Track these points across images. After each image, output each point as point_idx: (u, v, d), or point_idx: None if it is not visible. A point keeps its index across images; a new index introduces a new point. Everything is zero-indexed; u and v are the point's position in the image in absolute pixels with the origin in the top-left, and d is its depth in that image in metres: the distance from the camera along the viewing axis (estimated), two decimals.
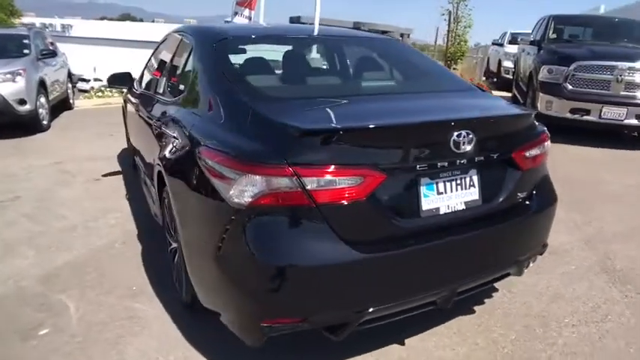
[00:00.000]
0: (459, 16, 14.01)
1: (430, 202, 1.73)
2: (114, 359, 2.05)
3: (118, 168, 4.99)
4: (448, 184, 1.77)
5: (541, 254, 2.33)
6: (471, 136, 1.70)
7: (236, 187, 1.55)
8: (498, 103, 2.25)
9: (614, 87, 5.92)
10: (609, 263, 3.03)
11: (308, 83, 2.38)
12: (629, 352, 2.17)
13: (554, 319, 2.41)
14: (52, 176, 4.65)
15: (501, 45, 15.45)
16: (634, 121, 5.90)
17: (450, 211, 1.78)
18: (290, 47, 2.57)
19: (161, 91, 2.90)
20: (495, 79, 14.80)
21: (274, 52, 2.64)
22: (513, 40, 15.05)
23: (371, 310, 1.67)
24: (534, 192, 2.09)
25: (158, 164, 2.30)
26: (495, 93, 9.12)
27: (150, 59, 3.95)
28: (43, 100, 6.78)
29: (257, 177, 1.51)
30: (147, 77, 3.73)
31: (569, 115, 6.10)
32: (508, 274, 2.15)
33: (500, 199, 1.92)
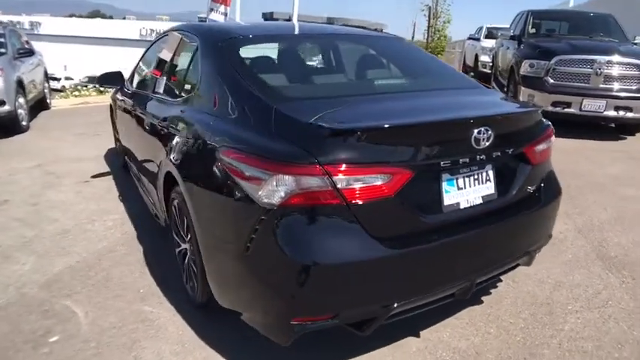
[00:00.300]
0: (439, 12, 14.20)
1: (451, 197, 1.77)
2: None
3: (107, 169, 4.88)
4: (467, 180, 1.82)
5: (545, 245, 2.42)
6: (489, 132, 1.75)
7: (266, 188, 1.55)
8: (505, 99, 2.31)
9: (594, 80, 6.12)
10: (603, 251, 3.16)
11: (322, 82, 2.38)
12: (632, 335, 2.27)
13: (558, 306, 2.50)
14: (39, 179, 4.51)
15: (478, 39, 15.74)
16: (613, 113, 6.12)
17: (469, 205, 1.83)
18: (300, 46, 2.56)
19: (161, 90, 2.85)
20: (472, 74, 15.07)
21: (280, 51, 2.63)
22: (489, 35, 15.36)
23: (396, 304, 1.70)
24: (542, 185, 2.16)
25: (168, 165, 2.26)
26: None
27: (142, 58, 3.87)
28: (21, 100, 6.56)
29: (288, 177, 1.52)
30: (141, 76, 3.66)
31: (551, 108, 6.27)
32: (518, 265, 2.22)
33: (514, 193, 1.98)
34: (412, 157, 1.63)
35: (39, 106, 7.98)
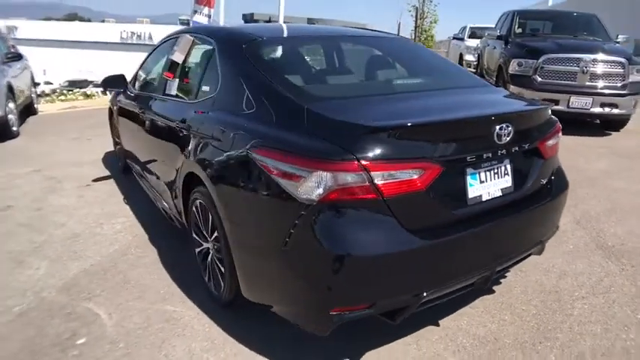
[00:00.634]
0: (425, 12, 14.44)
1: (474, 190, 1.87)
2: None
3: (107, 172, 4.86)
4: (488, 174, 1.92)
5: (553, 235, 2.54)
6: (510, 128, 1.86)
7: (305, 184, 1.61)
8: (514, 97, 2.44)
9: (580, 78, 6.34)
10: (601, 241, 3.31)
11: (344, 82, 2.45)
12: (636, 318, 2.41)
13: (565, 293, 2.62)
14: (39, 184, 4.47)
15: (462, 39, 16.04)
16: (599, 110, 6.34)
17: (490, 197, 1.93)
18: (320, 47, 2.64)
19: (174, 92, 2.88)
20: None
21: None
22: (473, 34, 15.67)
23: (425, 293, 1.78)
24: (552, 178, 2.28)
25: (191, 166, 2.30)
26: None
27: (146, 61, 3.88)
28: (11, 105, 6.47)
29: (328, 173, 1.58)
30: (148, 79, 3.67)
31: None
32: (530, 254, 2.33)
33: (529, 185, 2.10)
34: (442, 152, 1.72)
35: (26, 111, 7.86)
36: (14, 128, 6.46)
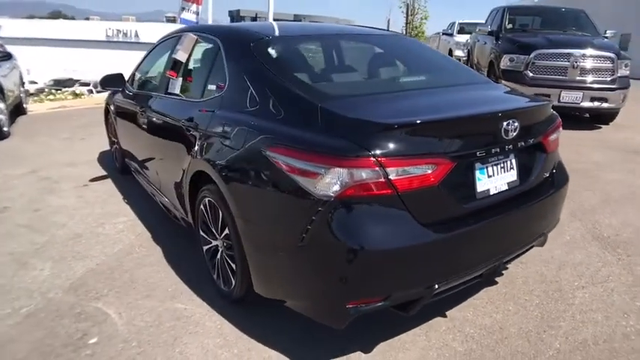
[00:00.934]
0: (416, 9, 14.54)
1: (483, 184, 1.92)
2: (178, 359, 2.08)
3: (104, 172, 4.83)
4: (495, 168, 1.97)
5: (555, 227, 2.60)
6: (516, 124, 1.92)
7: (323, 181, 1.64)
8: (516, 93, 2.50)
9: (571, 73, 6.46)
10: (597, 232, 3.39)
11: (354, 80, 2.48)
12: (635, 305, 2.49)
13: (566, 283, 2.70)
14: (35, 185, 4.44)
15: (451, 35, 16.17)
16: (589, 104, 6.47)
17: (497, 191, 1.98)
18: (325, 45, 2.66)
19: (178, 91, 2.89)
20: None
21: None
22: (462, 30, 15.81)
23: (437, 285, 1.83)
24: (554, 172, 2.35)
25: (199, 164, 2.31)
26: None
27: (144, 60, 3.87)
28: (1, 105, 6.39)
29: (344, 170, 1.62)
30: (148, 78, 3.66)
31: None
32: (533, 246, 2.40)
33: (533, 179, 2.16)
34: (453, 148, 1.77)
35: (16, 111, 7.75)
36: (5, 129, 6.37)
